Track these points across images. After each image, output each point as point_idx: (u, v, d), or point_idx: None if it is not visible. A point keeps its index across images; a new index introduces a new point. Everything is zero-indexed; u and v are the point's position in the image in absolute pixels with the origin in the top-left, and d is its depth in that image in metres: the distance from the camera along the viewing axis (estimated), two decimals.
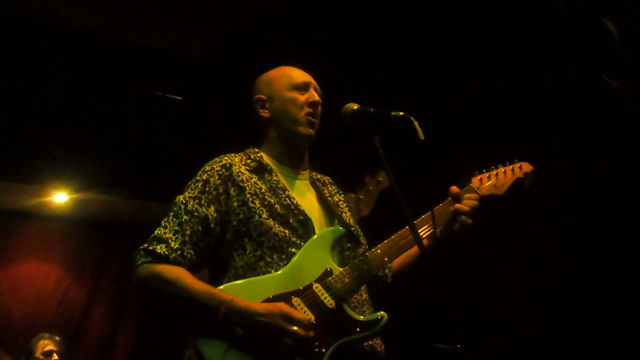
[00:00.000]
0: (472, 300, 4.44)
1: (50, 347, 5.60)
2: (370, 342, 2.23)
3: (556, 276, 4.02)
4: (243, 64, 5.20)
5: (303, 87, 2.39)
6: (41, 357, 5.54)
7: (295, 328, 2.03)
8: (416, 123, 2.02)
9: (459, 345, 4.21)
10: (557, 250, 4.00)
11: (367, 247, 2.44)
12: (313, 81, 2.44)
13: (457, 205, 2.33)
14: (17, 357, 6.01)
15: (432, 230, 2.34)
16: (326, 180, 2.56)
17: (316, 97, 2.38)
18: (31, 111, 5.51)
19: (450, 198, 2.36)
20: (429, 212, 2.31)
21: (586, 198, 3.72)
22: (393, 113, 2.10)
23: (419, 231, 2.30)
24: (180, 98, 5.91)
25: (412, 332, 4.31)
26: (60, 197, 6.74)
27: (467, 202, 2.34)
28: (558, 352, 3.96)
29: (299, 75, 2.43)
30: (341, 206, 2.49)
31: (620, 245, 3.60)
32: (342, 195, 2.57)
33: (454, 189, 2.36)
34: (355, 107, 2.24)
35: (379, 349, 2.26)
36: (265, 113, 2.41)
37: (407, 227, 2.26)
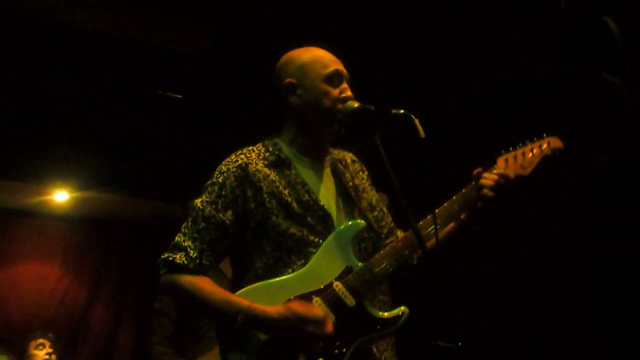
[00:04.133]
0: (474, 298, 4.45)
1: (42, 341, 5.69)
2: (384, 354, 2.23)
3: (557, 273, 4.03)
4: (243, 61, 5.20)
5: (337, 79, 2.31)
6: (34, 351, 5.62)
7: (311, 329, 2.03)
8: (417, 121, 2.01)
9: (460, 343, 4.21)
10: (558, 247, 4.00)
11: (392, 226, 2.41)
12: (344, 69, 2.36)
13: (483, 181, 2.27)
14: (16, 356, 6.05)
15: (459, 212, 2.31)
16: (348, 159, 2.49)
17: (349, 93, 2.31)
18: (31, 109, 5.50)
19: (473, 182, 2.31)
20: (453, 198, 2.30)
21: (586, 194, 3.72)
22: (394, 111, 2.09)
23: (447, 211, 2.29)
24: (180, 96, 5.91)
25: (412, 330, 4.31)
26: (60, 196, 6.74)
27: (489, 177, 2.28)
28: (559, 349, 3.97)
29: (332, 63, 2.34)
30: (362, 187, 2.42)
31: (620, 242, 3.60)
32: (366, 172, 2.51)
33: (478, 170, 2.32)
34: (356, 105, 2.24)
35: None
36: (295, 100, 2.33)
37: (428, 217, 2.24)
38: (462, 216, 2.33)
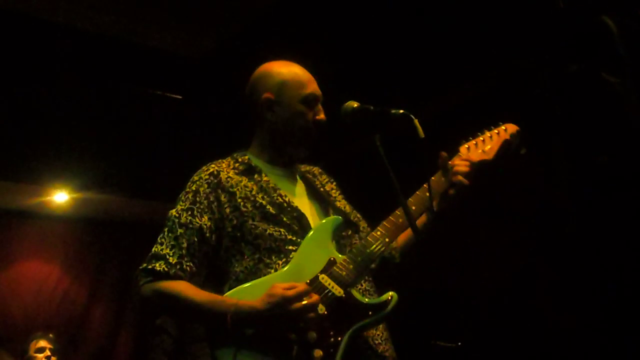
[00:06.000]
0: (473, 298, 4.45)
1: (43, 344, 5.70)
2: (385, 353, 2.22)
3: (557, 274, 4.03)
4: (243, 63, 5.19)
5: (314, 102, 2.37)
6: (34, 354, 5.61)
7: (298, 305, 2.02)
8: (416, 121, 2.01)
9: (460, 343, 4.22)
10: (558, 247, 4.01)
11: (369, 230, 2.42)
12: (319, 90, 2.41)
13: (455, 168, 2.31)
14: (16, 357, 6.04)
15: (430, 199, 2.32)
16: (316, 171, 2.54)
17: (322, 115, 2.37)
18: (31, 110, 5.50)
19: (440, 170, 2.34)
20: (424, 186, 2.31)
21: (585, 195, 3.72)
22: (393, 111, 2.09)
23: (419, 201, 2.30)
24: (180, 97, 5.91)
25: (413, 330, 4.31)
26: (60, 197, 6.74)
27: (460, 163, 2.33)
28: (559, 347, 3.97)
29: (310, 84, 2.39)
30: (334, 195, 2.47)
31: (620, 243, 3.60)
32: (334, 183, 2.55)
33: (443, 153, 2.35)
34: (355, 105, 2.24)
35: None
36: (270, 116, 2.37)
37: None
38: (435, 205, 2.33)
